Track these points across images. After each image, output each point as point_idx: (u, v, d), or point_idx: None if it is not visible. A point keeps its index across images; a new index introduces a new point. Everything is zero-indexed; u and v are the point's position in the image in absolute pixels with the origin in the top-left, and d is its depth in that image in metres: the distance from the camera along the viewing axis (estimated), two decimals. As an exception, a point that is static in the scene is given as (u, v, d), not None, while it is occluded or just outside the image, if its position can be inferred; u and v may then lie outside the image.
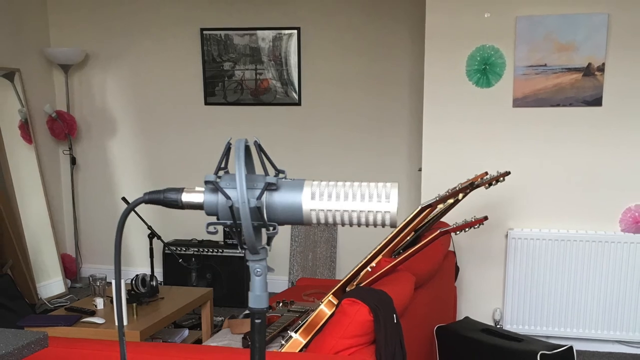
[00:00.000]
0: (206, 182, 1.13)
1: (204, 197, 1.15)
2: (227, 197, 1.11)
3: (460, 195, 3.19)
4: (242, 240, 1.12)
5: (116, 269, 1.19)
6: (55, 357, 2.37)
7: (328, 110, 5.50)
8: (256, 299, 1.19)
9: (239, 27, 5.51)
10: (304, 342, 2.62)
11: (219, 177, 1.14)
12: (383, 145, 5.45)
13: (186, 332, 4.30)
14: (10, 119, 5.33)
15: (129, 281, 3.94)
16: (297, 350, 2.60)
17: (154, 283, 3.95)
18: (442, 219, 4.00)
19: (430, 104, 4.36)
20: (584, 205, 4.27)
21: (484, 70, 4.25)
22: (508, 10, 4.18)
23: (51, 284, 5.54)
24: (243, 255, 5.13)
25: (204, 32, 5.58)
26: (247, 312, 3.75)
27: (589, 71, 4.11)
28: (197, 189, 1.17)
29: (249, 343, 3.00)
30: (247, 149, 1.12)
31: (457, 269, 4.11)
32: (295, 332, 2.65)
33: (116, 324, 3.53)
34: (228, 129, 5.69)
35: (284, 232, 5.68)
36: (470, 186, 3.21)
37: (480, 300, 4.50)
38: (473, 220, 3.07)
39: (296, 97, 5.52)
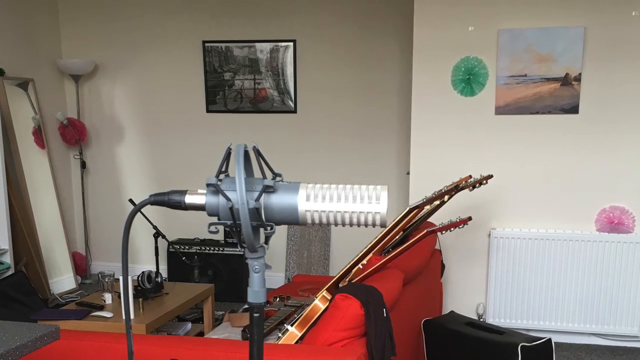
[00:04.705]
0: (208, 185, 1.13)
1: (206, 198, 1.15)
2: (228, 199, 1.11)
3: (446, 197, 3.19)
4: (242, 240, 1.13)
5: (124, 266, 1.19)
6: (66, 348, 2.37)
7: (322, 117, 5.50)
8: (255, 294, 1.19)
9: (239, 40, 5.52)
10: (300, 334, 2.61)
11: (220, 180, 1.14)
12: (373, 150, 5.45)
13: (189, 325, 4.29)
14: (24, 126, 5.31)
15: (135, 277, 3.93)
16: (293, 342, 2.59)
17: (159, 279, 3.94)
18: (429, 220, 4.01)
19: (418, 112, 4.36)
20: (561, 207, 4.28)
21: (468, 80, 4.26)
22: (491, 24, 4.19)
23: (62, 280, 5.53)
24: (242, 253, 5.13)
25: (206, 44, 5.57)
26: (246, 306, 3.74)
27: (567, 81, 4.13)
28: (199, 191, 1.17)
29: (248, 335, 3.00)
30: (246, 153, 1.12)
31: (442, 266, 4.11)
32: (292, 325, 2.65)
33: (124, 317, 3.53)
34: (228, 135, 5.69)
35: (280, 232, 5.68)
36: (455, 189, 3.21)
37: (464, 296, 4.50)
38: (458, 220, 3.07)
39: (292, 105, 5.52)
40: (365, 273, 2.83)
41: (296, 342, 2.60)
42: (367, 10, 5.28)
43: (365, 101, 5.40)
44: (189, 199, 1.16)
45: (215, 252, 5.33)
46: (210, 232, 1.13)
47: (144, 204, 1.16)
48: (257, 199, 1.10)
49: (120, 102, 5.89)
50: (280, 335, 2.66)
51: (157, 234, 4.64)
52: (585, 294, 4.24)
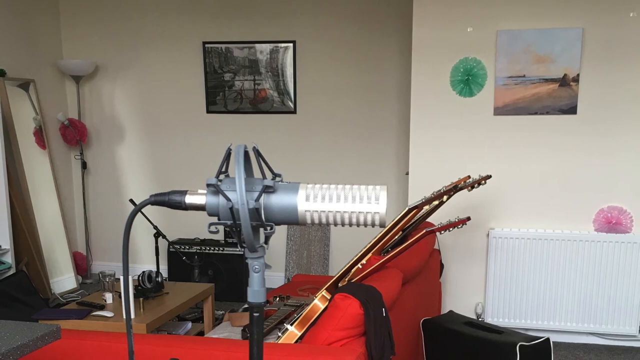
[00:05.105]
0: (208, 185, 1.13)
1: (206, 199, 1.15)
2: (228, 199, 1.11)
3: (445, 198, 3.19)
4: (242, 239, 1.13)
5: (124, 266, 1.19)
6: (67, 348, 2.37)
7: (322, 118, 5.50)
8: (254, 294, 1.19)
9: (239, 41, 5.52)
10: (299, 334, 2.62)
11: (220, 181, 1.14)
12: (373, 150, 5.45)
13: (189, 324, 4.29)
14: (25, 126, 5.31)
15: (136, 277, 3.93)
16: (292, 342, 2.60)
17: (159, 279, 3.94)
18: (428, 220, 4.01)
19: (417, 112, 4.37)
20: (560, 207, 4.28)
21: (467, 80, 4.26)
22: (489, 25, 4.19)
23: (63, 280, 5.53)
24: (242, 253, 5.12)
25: (206, 45, 5.58)
26: (246, 306, 3.75)
27: (565, 82, 4.13)
28: (200, 191, 1.17)
29: (248, 335, 3.00)
30: (246, 154, 1.12)
31: (441, 266, 4.11)
32: (291, 324, 2.65)
33: (124, 317, 3.53)
34: (228, 135, 5.69)
35: (280, 232, 5.68)
36: (454, 189, 3.21)
37: (463, 295, 4.50)
38: (457, 220, 3.07)
39: (292, 105, 5.52)
40: (365, 273, 2.83)
41: (296, 342, 2.60)
42: (366, 12, 5.28)
43: (364, 102, 5.41)
44: (189, 199, 1.16)
45: (216, 252, 5.34)
46: (211, 232, 1.13)
47: (144, 204, 1.16)
48: (257, 199, 1.10)
49: (121, 102, 5.89)
50: (280, 334, 2.66)
51: (158, 234, 4.64)
52: (583, 294, 4.24)
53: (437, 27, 4.25)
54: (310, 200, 1.11)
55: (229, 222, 1.13)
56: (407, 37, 5.19)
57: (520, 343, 3.05)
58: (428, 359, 3.51)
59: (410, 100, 4.38)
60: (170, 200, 1.17)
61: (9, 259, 4.83)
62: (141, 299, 3.72)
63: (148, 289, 3.84)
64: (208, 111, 5.70)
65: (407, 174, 4.53)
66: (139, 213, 5.00)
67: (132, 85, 5.84)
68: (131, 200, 4.33)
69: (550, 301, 4.29)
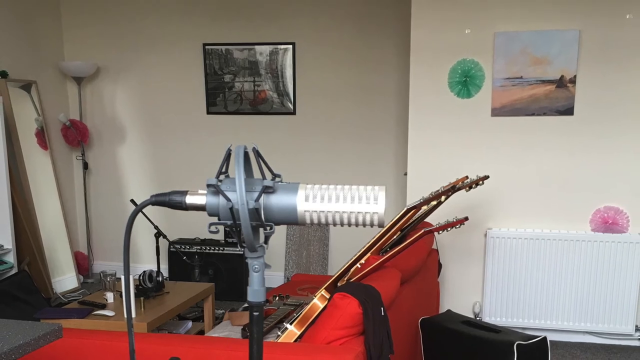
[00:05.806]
0: (208, 186, 1.13)
1: (206, 199, 1.15)
2: (228, 199, 1.11)
3: (443, 198, 3.19)
4: (242, 239, 1.13)
5: (125, 265, 1.19)
6: (68, 347, 2.37)
7: (321, 119, 5.50)
8: (254, 293, 1.19)
9: (239, 42, 5.52)
10: (299, 333, 2.61)
11: (220, 181, 1.14)
12: (371, 151, 5.45)
13: (190, 323, 4.29)
14: (27, 127, 5.31)
15: (137, 277, 3.93)
16: (292, 341, 2.59)
17: (160, 278, 3.94)
18: (426, 220, 4.01)
19: (415, 113, 4.37)
20: (557, 207, 4.28)
21: (465, 82, 4.26)
22: (487, 27, 4.19)
23: (65, 279, 5.53)
24: (242, 252, 5.12)
25: (206, 47, 5.57)
26: (246, 305, 3.74)
27: (562, 83, 4.13)
28: (200, 191, 1.17)
29: (248, 334, 3.00)
30: (246, 154, 1.12)
31: (439, 266, 4.11)
32: (291, 323, 2.65)
33: (125, 316, 3.53)
34: (228, 136, 5.69)
35: (280, 232, 5.68)
36: (451, 189, 3.21)
37: (461, 295, 4.50)
38: (454, 220, 3.07)
39: (291, 107, 5.52)
40: (364, 272, 2.83)
41: (295, 341, 2.60)
42: (365, 14, 5.28)
43: (363, 103, 5.41)
44: (189, 199, 1.16)
45: (216, 251, 5.33)
46: (211, 232, 1.13)
47: (145, 204, 1.16)
48: (257, 200, 1.10)
49: (122, 103, 5.89)
50: (279, 333, 2.66)
51: (158, 234, 4.64)
52: (580, 293, 4.24)
53: (435, 29, 4.25)
54: (310, 201, 1.11)
55: (229, 222, 1.13)
56: (406, 39, 5.19)
57: (517, 342, 3.05)
58: (426, 357, 3.51)
59: (409, 102, 4.38)
60: (170, 201, 1.17)
61: (11, 258, 4.83)
62: (142, 298, 3.72)
63: (149, 288, 3.84)
64: (208, 112, 5.70)
65: (406, 174, 4.53)
66: (140, 213, 5.00)
67: (133, 87, 5.84)
68: (132, 201, 4.33)
69: (548, 300, 4.29)
